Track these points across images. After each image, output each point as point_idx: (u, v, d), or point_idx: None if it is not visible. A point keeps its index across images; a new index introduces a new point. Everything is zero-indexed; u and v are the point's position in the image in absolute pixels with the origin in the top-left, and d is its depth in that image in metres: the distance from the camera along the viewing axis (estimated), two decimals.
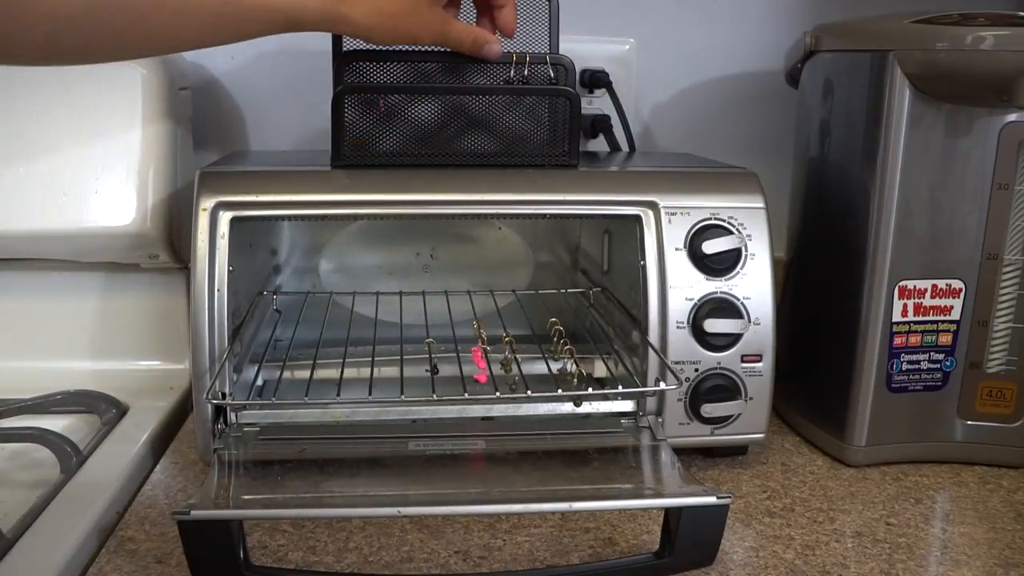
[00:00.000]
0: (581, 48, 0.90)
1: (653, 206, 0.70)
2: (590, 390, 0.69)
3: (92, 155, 0.81)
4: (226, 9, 0.55)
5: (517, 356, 0.73)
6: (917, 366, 0.73)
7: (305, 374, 0.73)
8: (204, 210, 0.66)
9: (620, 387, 0.70)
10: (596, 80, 0.92)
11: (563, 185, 0.71)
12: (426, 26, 0.60)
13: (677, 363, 0.69)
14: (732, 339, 0.69)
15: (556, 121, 0.73)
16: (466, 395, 0.67)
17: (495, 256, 0.93)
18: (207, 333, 0.66)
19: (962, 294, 0.72)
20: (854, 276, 0.73)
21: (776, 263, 0.71)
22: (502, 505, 0.59)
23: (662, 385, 0.69)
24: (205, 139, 0.95)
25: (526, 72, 0.72)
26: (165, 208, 0.83)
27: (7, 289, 0.86)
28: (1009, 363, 0.73)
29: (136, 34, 0.53)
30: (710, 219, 0.69)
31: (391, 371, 0.72)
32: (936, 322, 0.73)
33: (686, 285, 0.69)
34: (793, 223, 0.85)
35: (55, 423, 0.75)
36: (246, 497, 0.59)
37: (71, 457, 0.69)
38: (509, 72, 0.73)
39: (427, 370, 0.72)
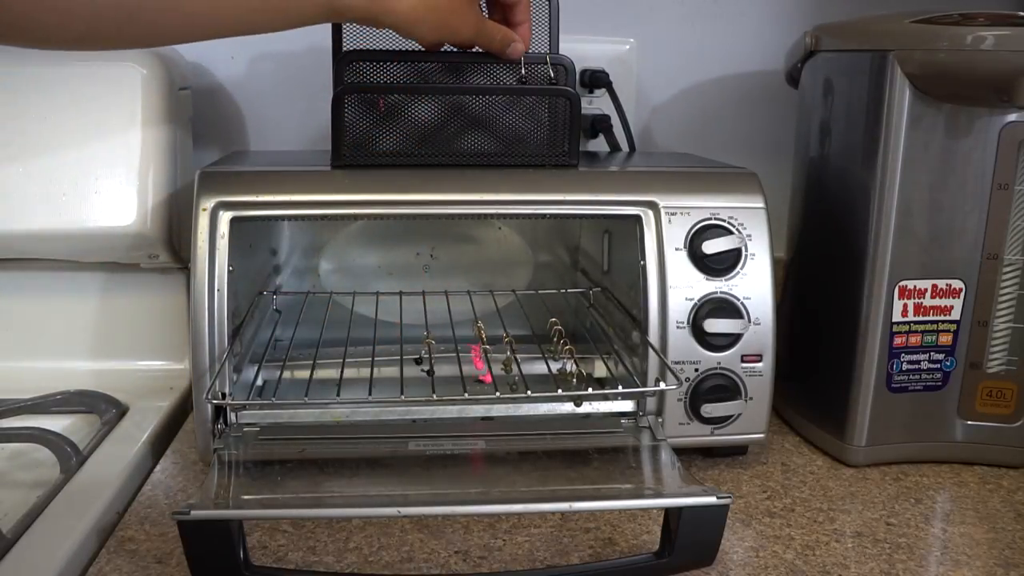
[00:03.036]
0: (581, 48, 0.90)
1: (653, 206, 0.70)
2: (590, 390, 0.69)
3: (92, 155, 0.81)
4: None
5: (517, 356, 0.73)
6: (917, 366, 0.73)
7: (305, 374, 0.73)
8: (204, 210, 0.66)
9: (620, 387, 0.70)
10: (596, 80, 0.92)
11: (563, 185, 0.71)
12: (466, 21, 0.60)
13: (677, 363, 0.69)
14: (732, 339, 0.69)
15: (556, 121, 0.73)
16: (466, 395, 0.67)
17: (495, 256, 0.93)
18: (207, 333, 0.66)
19: (962, 294, 0.72)
20: (854, 276, 0.73)
21: (776, 263, 0.71)
22: (502, 505, 0.59)
23: (662, 385, 0.69)
24: (205, 139, 0.95)
25: (523, 72, 0.72)
26: (165, 208, 0.83)
27: (7, 289, 0.86)
28: (1009, 363, 0.73)
29: (172, 18, 0.52)
30: (710, 219, 0.69)
31: (391, 371, 0.72)
32: (936, 322, 0.73)
33: (686, 285, 0.69)
34: (793, 223, 0.85)
35: (55, 423, 0.75)
36: (246, 497, 0.59)
37: (71, 457, 0.68)
38: (509, 72, 0.72)
39: (424, 370, 0.72)
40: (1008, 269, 0.71)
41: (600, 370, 0.80)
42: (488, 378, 0.73)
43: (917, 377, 0.74)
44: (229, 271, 0.66)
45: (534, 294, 0.91)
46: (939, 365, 0.73)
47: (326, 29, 0.74)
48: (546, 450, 0.68)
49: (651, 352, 0.69)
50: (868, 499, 0.70)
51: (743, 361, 0.70)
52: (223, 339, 0.66)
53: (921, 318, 0.72)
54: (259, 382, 0.76)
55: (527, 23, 0.65)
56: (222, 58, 0.95)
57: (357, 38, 0.74)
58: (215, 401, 0.65)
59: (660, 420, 0.70)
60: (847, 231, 0.73)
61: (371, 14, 0.59)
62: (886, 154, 0.69)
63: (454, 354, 0.74)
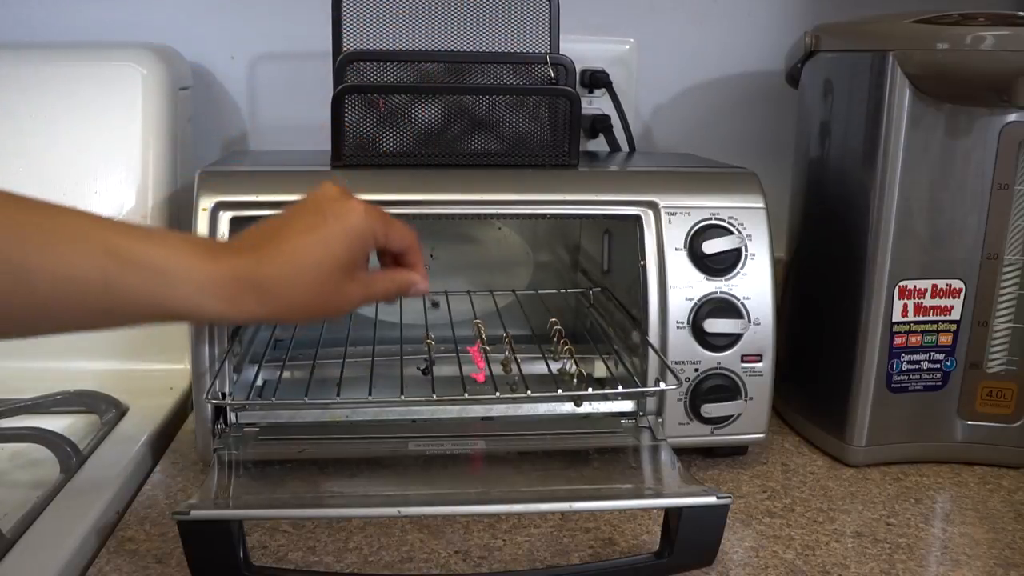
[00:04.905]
0: (581, 48, 0.90)
1: (653, 206, 0.70)
2: (590, 390, 0.69)
3: (92, 155, 0.81)
4: (108, 304, 0.52)
5: (517, 356, 0.73)
6: (917, 366, 0.73)
7: (305, 374, 0.73)
8: (204, 210, 0.66)
9: (620, 387, 0.70)
10: (596, 80, 0.92)
11: (563, 185, 0.71)
12: (349, 299, 0.55)
13: (677, 363, 0.69)
14: (732, 339, 0.69)
15: (556, 121, 0.73)
16: (466, 395, 0.67)
17: (495, 256, 0.93)
18: (207, 333, 0.66)
19: (962, 294, 0.72)
20: (854, 276, 0.73)
21: (776, 263, 0.71)
22: (502, 505, 0.59)
23: (662, 385, 0.69)
24: (205, 139, 0.95)
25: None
26: (165, 208, 0.83)
27: None
28: (1009, 363, 0.73)
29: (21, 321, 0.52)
30: (710, 219, 0.69)
31: (391, 371, 0.72)
32: (936, 322, 0.73)
33: (686, 285, 0.69)
34: (793, 223, 0.85)
35: (55, 423, 0.74)
36: (246, 497, 0.59)
37: (71, 457, 0.68)
38: (510, 73, 0.73)
39: (418, 368, 0.72)
40: (1008, 269, 0.71)
41: (600, 370, 0.80)
42: (480, 377, 0.73)
43: (917, 377, 0.74)
44: None
45: (534, 294, 0.91)
46: (939, 365, 0.73)
47: (327, 28, 0.75)
48: (546, 450, 0.68)
49: (651, 352, 0.69)
50: (868, 499, 0.70)
51: (743, 361, 0.70)
52: (223, 339, 0.66)
53: (921, 318, 0.72)
54: (259, 382, 0.76)
55: (420, 264, 0.60)
56: (222, 58, 0.95)
57: (357, 38, 0.74)
58: (215, 401, 0.65)
59: (660, 420, 0.70)
60: (847, 231, 0.73)
61: (228, 321, 0.63)
62: (886, 154, 0.69)
63: (454, 354, 0.74)
